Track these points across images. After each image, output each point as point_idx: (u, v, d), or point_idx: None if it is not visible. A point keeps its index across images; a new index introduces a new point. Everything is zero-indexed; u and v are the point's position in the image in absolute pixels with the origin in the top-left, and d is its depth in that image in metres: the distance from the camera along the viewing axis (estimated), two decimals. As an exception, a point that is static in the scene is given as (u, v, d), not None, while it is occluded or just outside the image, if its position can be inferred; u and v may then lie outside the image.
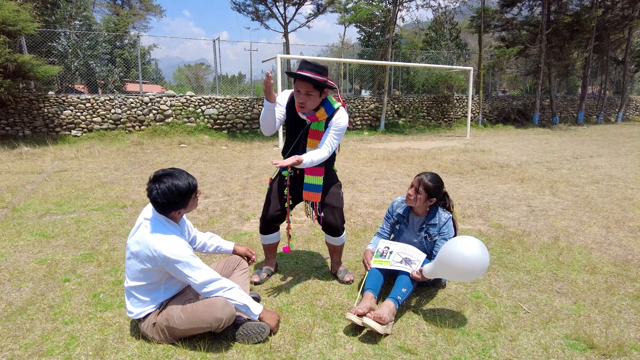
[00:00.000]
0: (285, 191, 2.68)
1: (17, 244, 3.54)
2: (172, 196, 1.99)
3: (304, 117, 2.56)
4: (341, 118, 2.53)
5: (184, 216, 2.29)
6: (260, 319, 2.11)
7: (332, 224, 2.71)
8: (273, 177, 2.82)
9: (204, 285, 2.00)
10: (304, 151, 2.60)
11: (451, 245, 2.24)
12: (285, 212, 2.74)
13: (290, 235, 2.85)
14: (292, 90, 2.61)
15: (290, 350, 2.04)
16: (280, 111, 2.60)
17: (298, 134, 2.62)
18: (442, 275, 2.35)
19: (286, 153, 2.69)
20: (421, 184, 2.56)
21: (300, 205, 3.00)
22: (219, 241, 2.53)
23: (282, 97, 2.64)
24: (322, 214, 2.69)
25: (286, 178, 2.67)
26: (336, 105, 2.56)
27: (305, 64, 2.42)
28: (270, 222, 2.78)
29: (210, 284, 2.01)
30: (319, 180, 2.63)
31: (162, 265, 1.98)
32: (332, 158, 2.68)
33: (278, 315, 2.23)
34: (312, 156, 2.42)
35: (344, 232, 2.84)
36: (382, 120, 15.69)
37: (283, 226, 2.88)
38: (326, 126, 2.55)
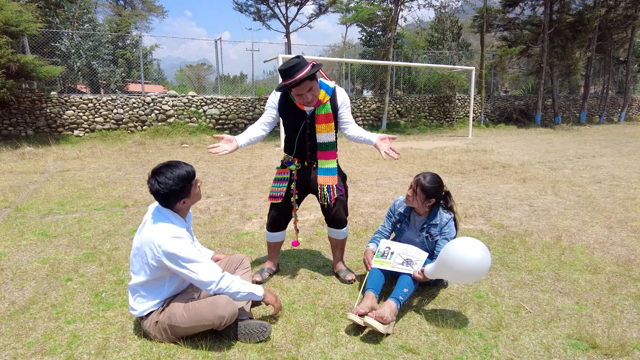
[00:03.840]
0: (292, 186, 2.69)
1: (19, 244, 3.56)
2: (173, 184, 2.02)
3: (309, 107, 2.56)
4: (345, 96, 2.66)
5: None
6: (264, 298, 2.15)
7: (337, 214, 2.74)
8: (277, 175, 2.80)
9: (208, 283, 2.00)
10: (312, 140, 2.62)
11: (452, 247, 2.22)
12: (291, 209, 2.76)
13: (297, 229, 2.87)
14: (279, 89, 2.63)
15: (292, 349, 2.04)
16: (270, 114, 2.68)
17: (300, 126, 2.61)
18: (443, 276, 2.34)
19: (292, 150, 2.69)
20: (418, 185, 2.56)
21: (304, 204, 3.01)
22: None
23: (272, 99, 2.67)
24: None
25: (293, 172, 2.69)
26: (331, 84, 2.62)
27: (288, 70, 2.36)
28: (278, 221, 2.81)
29: (214, 279, 2.00)
30: (332, 163, 2.66)
31: (165, 262, 1.98)
32: (335, 142, 2.69)
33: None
34: (363, 132, 2.70)
35: (347, 226, 2.86)
36: (383, 120, 15.67)
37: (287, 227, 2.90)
38: (333, 107, 2.59)
